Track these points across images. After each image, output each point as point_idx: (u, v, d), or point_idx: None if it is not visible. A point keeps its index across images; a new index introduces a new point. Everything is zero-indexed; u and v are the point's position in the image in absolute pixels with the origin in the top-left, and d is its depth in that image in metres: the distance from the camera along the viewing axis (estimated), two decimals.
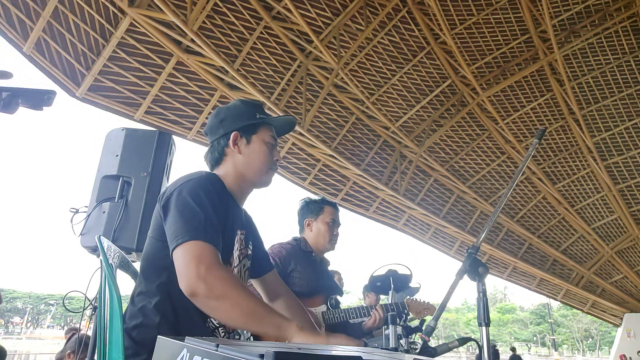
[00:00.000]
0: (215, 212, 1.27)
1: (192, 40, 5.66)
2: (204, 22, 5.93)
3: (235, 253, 1.42)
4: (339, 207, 2.62)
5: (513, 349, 18.16)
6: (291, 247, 2.39)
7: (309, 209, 2.52)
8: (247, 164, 1.46)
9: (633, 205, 10.33)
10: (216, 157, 1.50)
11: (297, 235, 2.58)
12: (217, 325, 1.36)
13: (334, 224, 2.48)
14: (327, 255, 2.58)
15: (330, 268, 2.67)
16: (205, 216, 1.23)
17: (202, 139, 6.48)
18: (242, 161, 1.46)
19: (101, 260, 1.39)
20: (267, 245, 2.27)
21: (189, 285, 1.13)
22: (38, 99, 0.89)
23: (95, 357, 1.27)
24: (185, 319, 1.29)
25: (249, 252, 1.53)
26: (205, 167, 1.54)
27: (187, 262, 1.15)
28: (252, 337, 2.00)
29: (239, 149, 1.47)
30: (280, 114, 6.81)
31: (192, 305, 1.28)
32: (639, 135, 9.21)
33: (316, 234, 2.46)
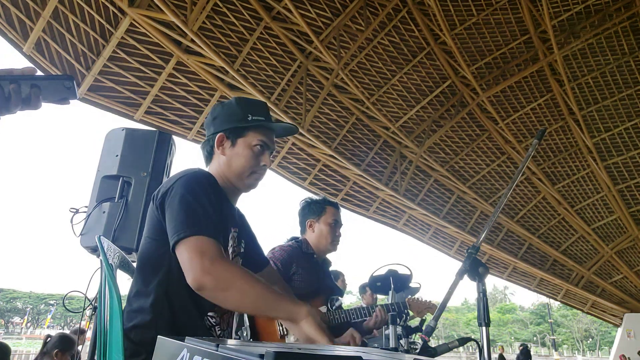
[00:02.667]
0: (212, 207, 1.27)
1: (192, 41, 5.66)
2: (204, 22, 5.93)
3: (229, 250, 1.43)
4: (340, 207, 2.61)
5: (501, 348, 18.25)
6: (292, 249, 2.37)
7: (311, 210, 2.49)
8: (228, 166, 1.45)
9: (633, 205, 10.33)
10: (206, 155, 1.53)
11: (297, 235, 2.57)
12: (213, 324, 1.37)
13: (336, 224, 2.46)
14: (328, 255, 2.57)
15: (333, 269, 2.66)
16: (204, 210, 1.23)
17: (202, 139, 6.47)
18: (225, 163, 1.46)
19: (101, 260, 1.39)
20: (267, 247, 2.27)
21: (195, 279, 1.13)
22: (57, 89, 0.86)
23: (95, 357, 1.27)
24: (182, 318, 1.29)
25: (241, 250, 1.53)
26: (195, 164, 1.55)
27: (191, 256, 1.15)
28: (252, 338, 2.00)
29: (223, 151, 1.46)
30: (281, 114, 6.81)
31: (190, 303, 1.28)
32: (639, 135, 9.21)
33: (318, 235, 2.44)
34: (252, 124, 1.46)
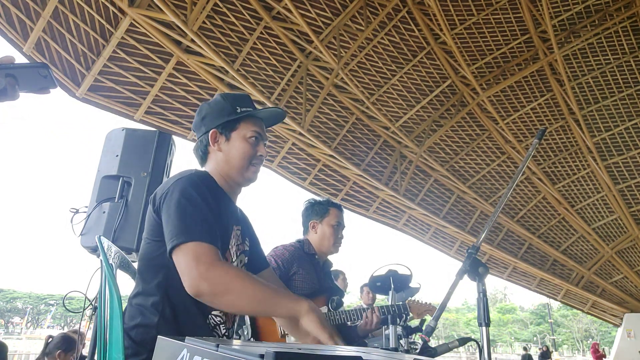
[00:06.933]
0: (209, 209, 1.27)
1: (192, 41, 5.66)
2: (204, 22, 5.93)
3: (232, 249, 1.42)
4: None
5: (525, 349, 18.34)
6: (294, 249, 2.37)
7: (314, 211, 2.49)
8: (226, 161, 1.45)
9: (633, 205, 10.33)
10: (200, 155, 1.51)
11: (301, 237, 2.57)
12: (218, 322, 1.36)
13: (339, 226, 2.47)
14: (329, 256, 2.57)
15: (334, 268, 2.67)
16: (200, 215, 1.23)
17: None
18: (222, 159, 1.46)
19: (101, 261, 1.39)
20: (268, 246, 2.27)
21: (192, 285, 1.14)
22: (34, 78, 0.84)
23: (96, 357, 1.27)
24: (184, 317, 1.29)
25: (246, 248, 1.53)
26: (195, 164, 1.55)
27: (187, 263, 1.16)
28: (252, 337, 2.00)
29: (219, 147, 1.46)
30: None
31: (191, 303, 1.28)
32: (639, 135, 9.21)
33: (321, 237, 2.44)
34: (242, 115, 1.46)
